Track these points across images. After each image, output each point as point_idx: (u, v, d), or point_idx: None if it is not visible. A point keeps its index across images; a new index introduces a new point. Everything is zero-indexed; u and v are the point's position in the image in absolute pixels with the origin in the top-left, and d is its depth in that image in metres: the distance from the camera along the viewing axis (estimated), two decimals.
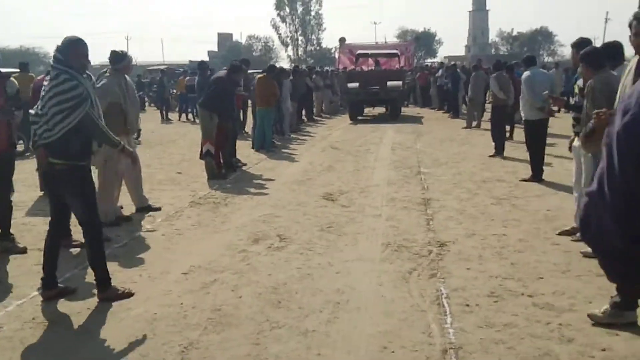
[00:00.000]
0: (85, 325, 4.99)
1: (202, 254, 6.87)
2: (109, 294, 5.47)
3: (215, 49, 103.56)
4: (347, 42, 35.95)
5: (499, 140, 14.30)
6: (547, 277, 5.90)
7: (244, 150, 15.57)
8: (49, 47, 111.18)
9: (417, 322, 4.93)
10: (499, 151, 14.07)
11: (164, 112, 27.18)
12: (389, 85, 24.04)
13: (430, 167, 12.71)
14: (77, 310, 5.28)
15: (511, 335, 4.64)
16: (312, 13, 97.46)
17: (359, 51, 31.50)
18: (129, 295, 5.54)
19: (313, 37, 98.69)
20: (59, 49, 5.38)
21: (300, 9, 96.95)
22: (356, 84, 24.50)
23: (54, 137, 5.28)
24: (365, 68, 31.18)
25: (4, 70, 8.66)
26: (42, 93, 5.38)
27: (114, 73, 8.12)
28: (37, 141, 5.41)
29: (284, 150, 16.24)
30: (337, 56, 37.25)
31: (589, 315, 4.85)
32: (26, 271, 6.34)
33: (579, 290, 5.53)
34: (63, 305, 5.40)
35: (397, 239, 7.33)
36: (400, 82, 24.63)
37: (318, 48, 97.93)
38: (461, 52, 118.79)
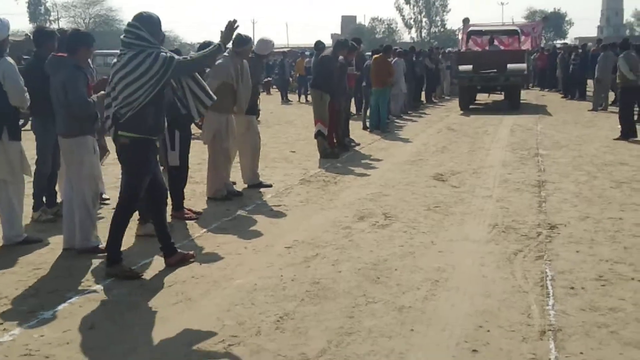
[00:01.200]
0: (188, 293, 5.16)
1: (307, 229, 6.95)
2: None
3: (339, 32, 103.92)
4: (471, 23, 35.20)
5: (627, 122, 13.60)
6: None
7: (358, 130, 15.59)
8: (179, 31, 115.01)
9: (517, 303, 4.79)
10: (626, 134, 13.38)
11: (284, 94, 27.63)
12: (510, 68, 20.64)
13: (550, 149, 12.28)
14: (183, 279, 5.48)
15: (616, 320, 4.43)
16: None
17: (471, 28, 25.89)
18: (184, 260, 5.83)
19: (437, 18, 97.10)
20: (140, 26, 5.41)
21: None
22: (469, 66, 21.05)
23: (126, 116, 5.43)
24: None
25: None
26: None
27: (232, 54, 8.27)
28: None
29: (398, 131, 16.14)
30: (460, 37, 36.55)
31: None
32: (140, 239, 6.61)
33: None
34: (170, 274, 5.61)
35: (506, 220, 7.14)
36: (523, 65, 21.42)
37: (442, 30, 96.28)
38: (593, 33, 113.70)
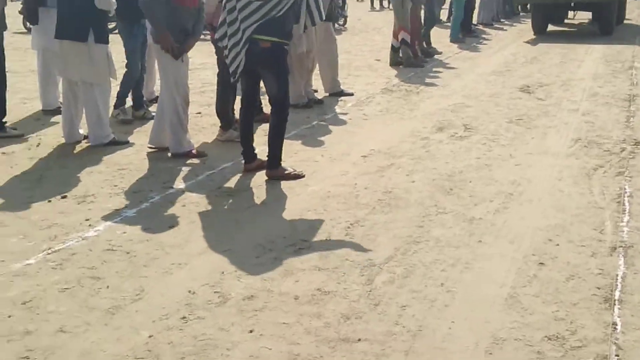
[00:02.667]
0: (264, 198, 5.32)
1: (384, 139, 6.97)
2: (277, 172, 5.73)
3: None
4: None
5: None
6: None
7: (445, 39, 15.24)
8: None
9: (591, 219, 4.73)
10: None
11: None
12: None
13: None
14: (259, 184, 5.63)
15: None
16: None
17: None
18: (297, 176, 5.75)
19: None
20: None
21: None
22: None
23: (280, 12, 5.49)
24: None
25: None
26: None
27: None
28: None
29: (487, 41, 15.69)
30: None
31: None
32: (221, 145, 6.80)
33: None
34: (247, 178, 5.77)
35: (590, 135, 6.96)
36: None
37: None
38: None
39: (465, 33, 15.74)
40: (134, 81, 7.57)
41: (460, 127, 7.38)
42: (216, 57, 7.04)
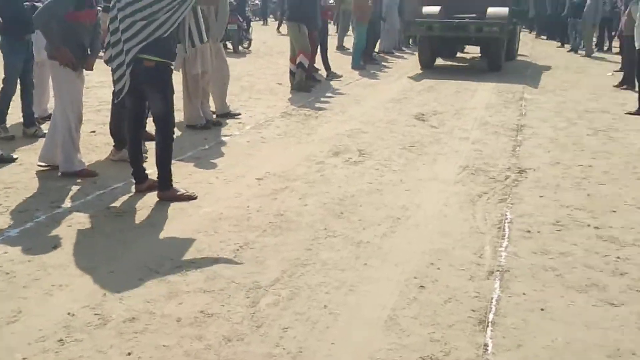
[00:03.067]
0: (153, 219, 5.28)
1: (281, 162, 7.04)
2: (169, 194, 5.70)
3: None
4: None
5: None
6: (621, 211, 5.71)
7: (347, 65, 15.52)
8: None
9: (472, 244, 4.92)
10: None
11: (280, 24, 27.34)
12: (491, 13, 14.78)
13: (535, 94, 12.31)
14: (150, 205, 5.58)
15: (564, 264, 4.56)
16: None
17: None
18: (189, 198, 5.74)
19: None
20: None
21: None
22: (436, 8, 15.27)
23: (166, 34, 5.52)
24: None
25: None
26: None
27: None
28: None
29: (387, 69, 16.08)
30: None
31: None
32: (113, 165, 6.70)
33: None
34: (138, 199, 5.71)
35: (477, 162, 7.23)
36: (505, 9, 14.78)
37: None
38: None
39: (367, 60, 16.09)
40: (8, 97, 7.38)
41: (355, 152, 7.53)
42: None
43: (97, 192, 5.84)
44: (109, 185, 6.03)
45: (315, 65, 13.45)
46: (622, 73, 13.70)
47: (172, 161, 6.19)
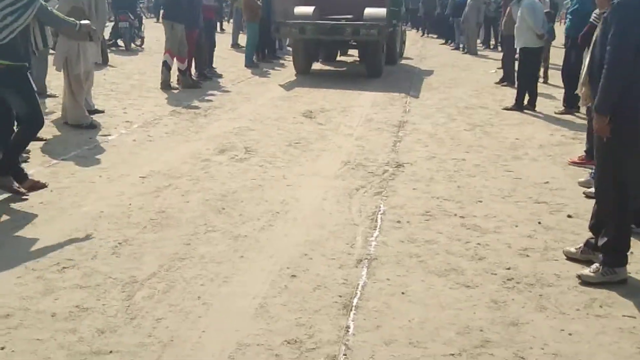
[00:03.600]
0: (34, 219, 5.29)
1: (166, 160, 7.13)
2: (4, 182, 5.75)
3: None
4: None
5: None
6: (486, 201, 6.11)
7: (240, 63, 15.67)
8: None
9: (345, 235, 5.18)
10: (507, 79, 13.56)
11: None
12: (368, 14, 13.97)
13: (420, 91, 12.80)
14: (31, 205, 5.58)
15: (428, 251, 4.89)
16: None
17: None
18: (33, 188, 5.83)
19: None
20: None
21: None
22: (309, 9, 14.44)
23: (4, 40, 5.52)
24: None
25: None
26: None
27: None
28: None
29: (279, 67, 16.31)
30: None
31: (579, 276, 4.47)
32: None
33: (511, 214, 5.75)
34: (18, 200, 5.70)
35: (359, 158, 7.54)
36: (383, 10, 13.75)
37: None
38: None
39: (260, 58, 16.26)
40: None
41: (241, 150, 7.71)
42: None
43: None
44: None
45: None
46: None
47: (57, 160, 6.21)
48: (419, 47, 22.84)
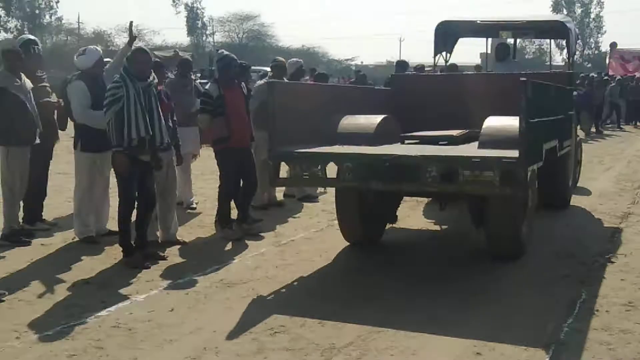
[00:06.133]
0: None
1: None
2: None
3: (489, 51, 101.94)
4: (619, 47, 34.56)
5: None
6: None
7: None
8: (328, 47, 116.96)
9: (539, 319, 5.32)
10: None
11: None
12: (489, 132, 6.47)
13: None
14: (258, 278, 6.41)
15: (620, 340, 4.88)
16: (592, 15, 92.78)
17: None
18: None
19: (591, 40, 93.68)
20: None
21: (579, 11, 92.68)
22: (373, 121, 7.19)
23: None
24: None
25: None
26: None
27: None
28: None
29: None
30: (607, 62, 35.42)
31: None
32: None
33: None
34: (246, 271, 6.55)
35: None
36: (514, 125, 5.74)
37: (597, 52, 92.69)
38: None
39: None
40: None
41: None
42: None
43: (215, 265, 6.78)
44: (224, 260, 6.96)
45: None
46: None
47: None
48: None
